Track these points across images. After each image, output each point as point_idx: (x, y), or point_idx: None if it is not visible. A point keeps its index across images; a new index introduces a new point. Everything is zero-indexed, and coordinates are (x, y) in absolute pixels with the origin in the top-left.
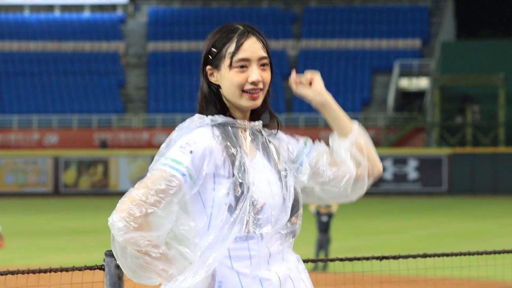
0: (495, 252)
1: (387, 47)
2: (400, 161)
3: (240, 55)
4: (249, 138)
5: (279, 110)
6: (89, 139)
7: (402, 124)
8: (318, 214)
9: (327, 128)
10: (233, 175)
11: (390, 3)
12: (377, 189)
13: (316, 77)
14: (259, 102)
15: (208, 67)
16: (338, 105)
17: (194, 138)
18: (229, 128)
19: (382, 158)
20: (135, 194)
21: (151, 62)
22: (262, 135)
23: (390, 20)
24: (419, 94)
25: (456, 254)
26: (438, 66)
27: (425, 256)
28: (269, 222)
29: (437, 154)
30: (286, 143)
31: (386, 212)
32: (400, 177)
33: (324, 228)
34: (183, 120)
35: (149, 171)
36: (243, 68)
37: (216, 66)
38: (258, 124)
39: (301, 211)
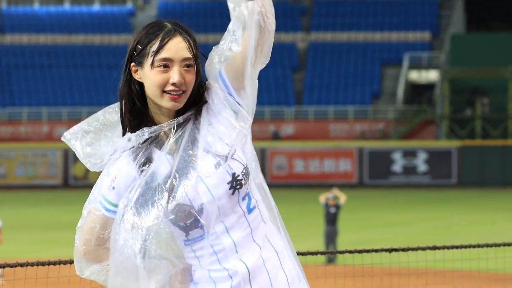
0: (504, 244)
1: (396, 40)
2: (409, 154)
3: (163, 54)
4: (172, 140)
5: (288, 103)
6: None
7: (411, 116)
8: (327, 205)
9: (337, 120)
10: (155, 194)
11: None
12: (387, 182)
13: None
14: (180, 104)
15: (133, 64)
16: None
17: (114, 172)
18: (151, 142)
19: (391, 151)
20: (83, 241)
21: None
22: (193, 123)
23: (399, 13)
24: (429, 87)
25: (465, 247)
26: (447, 59)
27: (434, 248)
28: (222, 215)
29: (447, 147)
30: (214, 102)
31: (395, 204)
32: (409, 170)
33: (331, 219)
34: None
35: (86, 208)
36: (165, 68)
37: (140, 64)
38: (186, 116)
39: (248, 175)
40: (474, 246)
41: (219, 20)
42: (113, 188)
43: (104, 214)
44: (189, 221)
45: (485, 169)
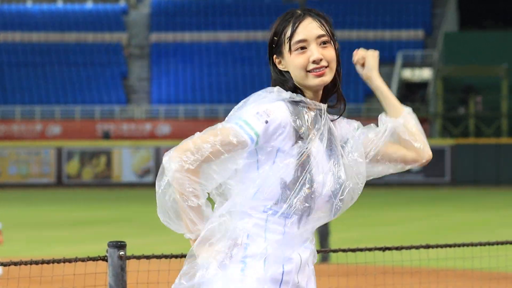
0: (498, 243)
1: (389, 38)
2: None
3: (297, 37)
4: (320, 121)
5: None
6: (92, 130)
7: None
8: None
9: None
10: (298, 156)
11: None
12: (380, 180)
13: (369, 54)
14: (327, 78)
15: (275, 56)
16: (389, 89)
17: (272, 109)
18: (303, 108)
19: None
20: (201, 139)
21: (154, 53)
22: (328, 118)
23: (392, 11)
24: (422, 85)
25: (459, 245)
26: (441, 57)
27: (428, 247)
28: (312, 210)
29: (440, 145)
30: (341, 127)
31: (389, 203)
32: None
33: None
34: (186, 111)
35: (217, 125)
36: (303, 50)
37: (280, 53)
38: (326, 106)
39: None
40: (467, 245)
41: (211, 18)
42: (266, 122)
43: (244, 137)
44: (298, 195)
45: (479, 168)
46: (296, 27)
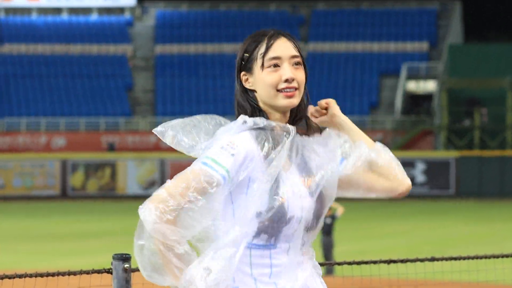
0: (503, 256)
1: (394, 50)
2: (407, 164)
3: (271, 54)
4: (288, 145)
5: None
6: (96, 142)
7: (409, 127)
8: None
9: None
10: (268, 183)
11: (397, 5)
12: None
13: (330, 102)
14: (295, 101)
15: (243, 72)
16: (357, 128)
17: (237, 141)
18: (269, 132)
19: None
20: (174, 187)
21: (159, 65)
22: (299, 139)
23: (397, 23)
24: (427, 97)
25: (464, 258)
26: (445, 69)
27: (433, 259)
28: (295, 236)
29: (445, 157)
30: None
31: (393, 215)
32: None
33: (327, 230)
34: None
35: (187, 170)
36: (276, 68)
37: (249, 70)
38: (296, 128)
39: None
40: (472, 258)
41: (216, 29)
42: (232, 155)
43: (214, 176)
44: (273, 224)
45: (483, 180)
46: (271, 44)
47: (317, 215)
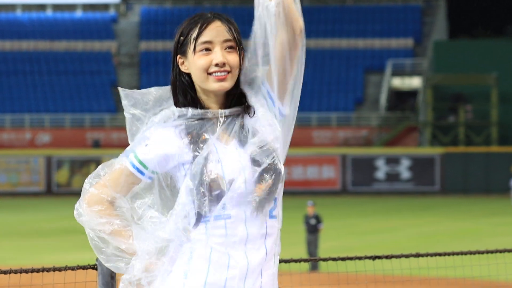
0: (488, 252)
1: (379, 47)
2: (392, 161)
3: (203, 38)
4: (222, 126)
5: None
6: (81, 139)
7: (394, 123)
8: (306, 216)
9: (320, 127)
10: (191, 182)
11: (382, 2)
12: (370, 189)
13: None
14: (227, 84)
15: (179, 56)
16: None
17: (158, 138)
18: (198, 120)
19: (375, 158)
20: (104, 182)
21: (143, 61)
22: (240, 119)
23: (382, 20)
24: (412, 94)
25: (449, 254)
26: (430, 66)
27: (417, 255)
28: (246, 202)
29: (430, 154)
30: (263, 117)
31: (379, 211)
32: (392, 177)
33: (311, 229)
34: None
35: (115, 161)
36: (207, 52)
37: (184, 53)
38: (233, 110)
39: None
40: (457, 254)
41: None
42: (155, 152)
43: (134, 174)
44: (215, 192)
45: (469, 176)
46: (204, 28)
47: (265, 175)
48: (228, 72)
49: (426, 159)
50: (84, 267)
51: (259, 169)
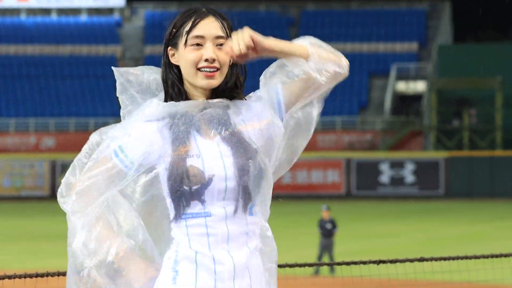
0: (492, 256)
1: (384, 51)
2: (397, 165)
3: (195, 32)
4: (204, 120)
5: None
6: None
7: (399, 127)
8: (321, 220)
9: (325, 131)
10: (186, 156)
11: (387, 6)
12: (374, 193)
13: (253, 38)
14: (215, 82)
15: (169, 48)
16: (280, 41)
17: (139, 133)
18: (181, 114)
19: (379, 162)
20: (86, 176)
21: (148, 65)
22: (226, 112)
23: (387, 24)
24: (416, 98)
25: (453, 258)
26: (435, 70)
27: (422, 260)
28: (226, 199)
29: (434, 158)
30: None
31: (383, 215)
32: (397, 181)
33: (327, 233)
34: None
35: (99, 157)
36: (198, 46)
37: (175, 45)
38: (218, 101)
39: (266, 191)
40: (462, 258)
41: None
42: (138, 146)
43: (118, 165)
44: (194, 187)
45: (473, 180)
46: (197, 23)
47: (246, 172)
48: (217, 69)
49: (430, 163)
50: None
51: (240, 166)
